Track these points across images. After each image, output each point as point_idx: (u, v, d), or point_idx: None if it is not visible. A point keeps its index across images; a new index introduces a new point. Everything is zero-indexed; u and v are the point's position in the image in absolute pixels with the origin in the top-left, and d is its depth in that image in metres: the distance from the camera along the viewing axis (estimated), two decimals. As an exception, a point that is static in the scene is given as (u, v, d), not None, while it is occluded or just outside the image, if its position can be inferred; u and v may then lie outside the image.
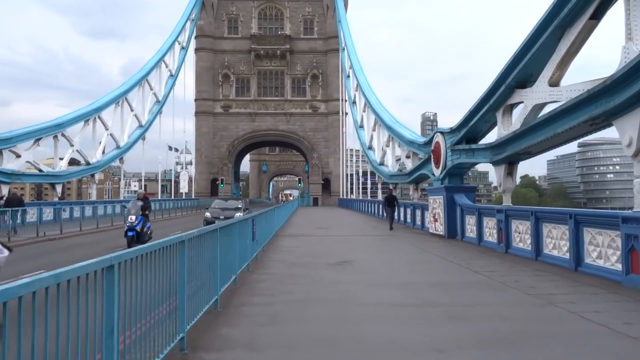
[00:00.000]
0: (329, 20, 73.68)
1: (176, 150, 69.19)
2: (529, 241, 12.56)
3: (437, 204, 19.42)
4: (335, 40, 70.63)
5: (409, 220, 25.87)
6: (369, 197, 49.15)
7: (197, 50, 72.03)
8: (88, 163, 35.21)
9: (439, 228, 19.09)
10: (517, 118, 13.33)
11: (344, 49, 61.86)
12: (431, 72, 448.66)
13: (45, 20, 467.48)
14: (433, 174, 20.76)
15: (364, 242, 17.29)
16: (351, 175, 64.68)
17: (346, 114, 68.28)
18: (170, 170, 79.75)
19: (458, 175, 18.97)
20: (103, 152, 40.77)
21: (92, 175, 36.29)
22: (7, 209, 20.37)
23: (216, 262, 6.77)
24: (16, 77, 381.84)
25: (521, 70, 12.62)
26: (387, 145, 34.06)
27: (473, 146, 16.15)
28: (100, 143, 37.60)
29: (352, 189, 62.80)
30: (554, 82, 11.58)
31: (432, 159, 20.52)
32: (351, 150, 69.76)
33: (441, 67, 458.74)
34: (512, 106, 14.11)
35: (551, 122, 11.15)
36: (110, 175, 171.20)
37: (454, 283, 8.95)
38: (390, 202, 22.72)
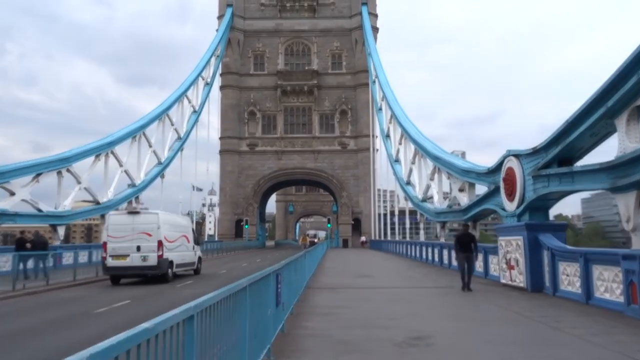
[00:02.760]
0: (358, 54, 71.15)
1: (199, 190, 66.37)
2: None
3: (512, 246, 15.15)
4: (364, 75, 67.78)
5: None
6: (407, 239, 44.63)
7: (222, 87, 70.09)
8: (98, 202, 32.00)
9: (517, 278, 14.75)
10: (657, 123, 9.24)
11: (374, 82, 58.73)
12: (459, 112, 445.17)
13: (85, 70, 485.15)
14: (503, 209, 16.56)
15: (426, 299, 13.05)
16: (384, 215, 60.25)
17: (377, 150, 64.70)
18: (194, 211, 76.81)
19: (542, 209, 14.74)
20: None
21: (102, 216, 32.96)
22: (32, 252, 19.27)
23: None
24: (56, 124, 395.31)
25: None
26: (432, 179, 29.95)
27: (575, 168, 11.98)
28: (113, 181, 34.57)
29: (385, 229, 58.31)
30: None
31: (502, 190, 16.37)
32: (384, 190, 65.58)
33: (469, 106, 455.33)
34: (640, 109, 10.03)
35: None
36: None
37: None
38: (465, 245, 14.62)
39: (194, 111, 54.51)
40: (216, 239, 63.43)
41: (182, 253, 20.78)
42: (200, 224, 69.76)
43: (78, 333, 9.35)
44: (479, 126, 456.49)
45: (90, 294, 16.32)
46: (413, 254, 32.45)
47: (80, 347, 1.98)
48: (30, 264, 19.21)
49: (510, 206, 15.62)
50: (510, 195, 15.51)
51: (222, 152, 69.60)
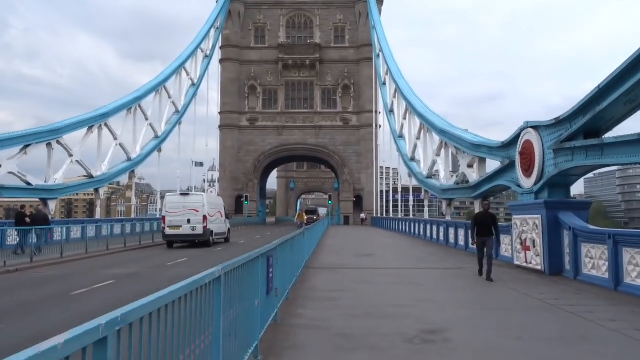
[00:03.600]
0: (361, 28, 69.08)
1: (201, 165, 65.07)
2: None
3: (528, 226, 14.00)
4: (368, 49, 65.82)
5: (471, 245, 20.40)
6: (411, 216, 43.58)
7: (222, 60, 68.25)
8: (91, 176, 30.82)
9: (534, 260, 13.64)
10: None
11: (378, 56, 56.95)
12: (462, 91, 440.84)
13: (90, 46, 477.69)
14: (519, 186, 15.37)
15: (434, 282, 11.94)
16: (386, 192, 59.12)
17: (380, 126, 63.30)
18: (194, 187, 75.94)
19: (563, 186, 13.54)
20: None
21: (97, 190, 31.86)
22: (32, 227, 18.66)
23: None
24: (59, 99, 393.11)
25: None
26: (438, 154, 28.66)
27: (606, 140, 10.73)
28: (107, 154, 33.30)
29: (387, 207, 57.22)
30: None
31: (518, 165, 15.15)
32: (387, 168, 64.18)
33: (472, 86, 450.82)
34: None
35: None
36: (139, 192, 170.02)
37: None
38: (485, 228, 11.98)
39: (193, 84, 52.96)
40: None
41: (218, 225, 25.89)
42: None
43: (39, 322, 8.29)
44: (482, 106, 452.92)
45: (77, 271, 15.30)
46: (416, 232, 31.39)
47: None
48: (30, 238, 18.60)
49: (527, 182, 14.42)
50: (528, 171, 14.30)
51: (221, 127, 68.19)
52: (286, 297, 8.93)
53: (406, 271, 14.08)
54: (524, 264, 14.19)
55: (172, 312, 2.68)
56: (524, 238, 14.26)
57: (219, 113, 68.36)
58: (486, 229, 12.05)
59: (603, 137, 11.35)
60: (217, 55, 66.12)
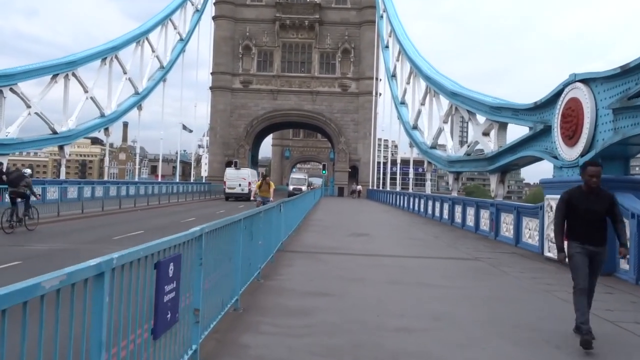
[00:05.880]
0: (364, -13, 64.58)
1: (190, 131, 61.50)
2: None
3: (568, 209, 10.84)
4: (370, 11, 61.45)
5: (482, 227, 17.38)
6: (410, 190, 40.48)
7: (215, 17, 63.85)
8: (55, 132, 27.37)
9: (574, 253, 10.53)
10: None
11: (382, 17, 52.88)
12: (467, 67, 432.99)
13: (94, 4, 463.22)
14: (555, 157, 12.15)
15: (449, 282, 8.78)
16: (384, 164, 55.85)
17: (380, 94, 59.69)
18: (185, 151, 72.17)
19: (620, 158, 10.37)
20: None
21: (61, 148, 28.43)
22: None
23: None
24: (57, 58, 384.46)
25: None
26: (446, 122, 25.26)
27: None
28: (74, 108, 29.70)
29: (384, 179, 54.07)
30: None
31: (557, 131, 11.88)
32: (385, 140, 60.73)
33: (478, 61, 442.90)
34: None
35: None
36: (132, 155, 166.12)
37: None
38: (593, 220, 5.28)
39: (181, 39, 49.00)
40: (204, 180, 59.84)
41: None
42: (187, 165, 65.15)
43: None
44: (483, 83, 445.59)
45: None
46: (416, 208, 28.31)
47: None
48: None
49: (570, 153, 11.20)
50: (572, 138, 11.06)
51: (213, 88, 64.36)
52: (234, 305, 5.86)
53: (409, 261, 10.99)
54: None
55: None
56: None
57: (211, 74, 64.45)
58: (594, 224, 5.34)
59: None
60: (210, 12, 61.94)
